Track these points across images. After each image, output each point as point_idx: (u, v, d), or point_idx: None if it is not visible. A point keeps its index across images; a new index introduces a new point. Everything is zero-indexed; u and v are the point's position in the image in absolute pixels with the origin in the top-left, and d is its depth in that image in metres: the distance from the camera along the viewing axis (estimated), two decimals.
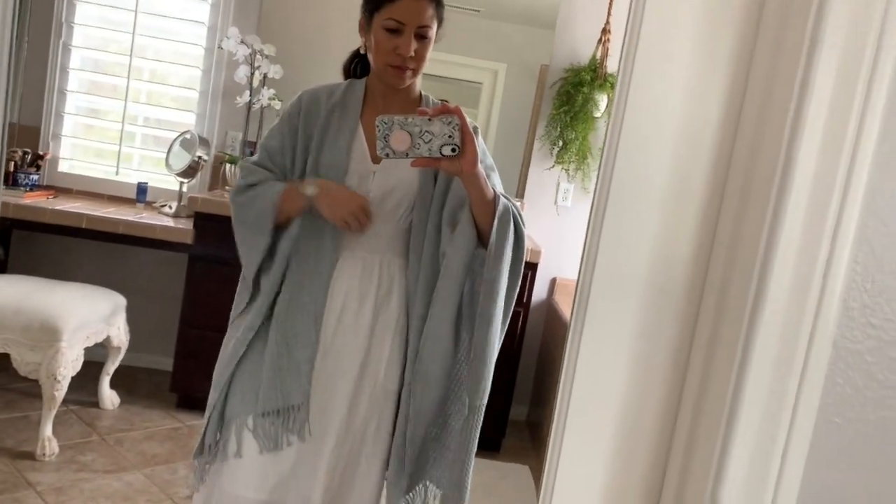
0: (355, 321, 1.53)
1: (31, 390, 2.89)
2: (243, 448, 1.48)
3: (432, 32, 1.49)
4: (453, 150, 1.27)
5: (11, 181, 3.22)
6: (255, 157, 1.60)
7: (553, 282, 3.51)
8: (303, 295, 1.51)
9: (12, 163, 3.24)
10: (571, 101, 3.28)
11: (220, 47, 3.25)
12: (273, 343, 1.50)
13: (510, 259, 1.43)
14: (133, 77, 3.39)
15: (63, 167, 3.42)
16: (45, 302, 2.56)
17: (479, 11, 3.41)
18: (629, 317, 0.77)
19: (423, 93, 1.61)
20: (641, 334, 0.78)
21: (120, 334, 2.94)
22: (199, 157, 3.18)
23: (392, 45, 1.46)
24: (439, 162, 1.29)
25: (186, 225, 3.00)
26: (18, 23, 3.25)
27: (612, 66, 3.26)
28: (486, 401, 1.46)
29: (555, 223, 3.49)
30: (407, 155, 1.26)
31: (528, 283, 3.01)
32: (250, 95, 3.26)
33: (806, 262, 0.69)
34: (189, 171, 3.18)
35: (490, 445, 3.10)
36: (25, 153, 3.27)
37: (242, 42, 3.20)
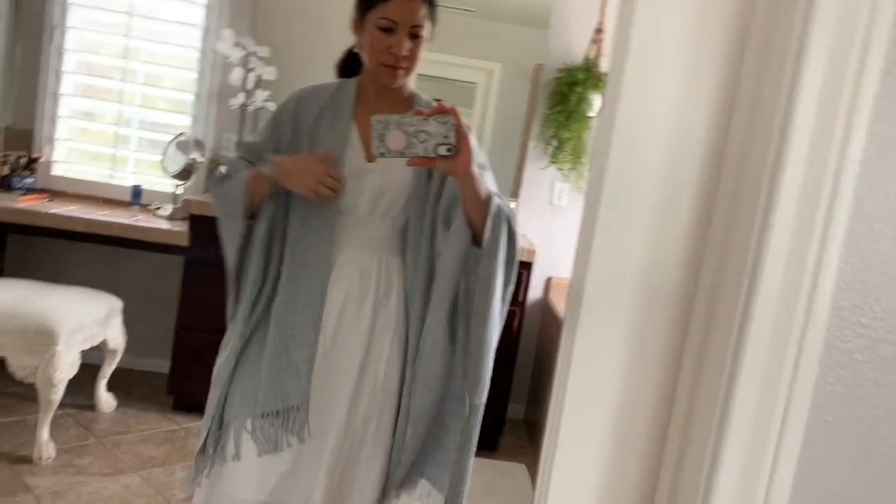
0: (355, 321, 1.53)
1: (27, 394, 2.88)
2: (242, 450, 1.48)
3: (425, 32, 1.49)
4: (449, 150, 1.28)
5: (6, 185, 3.22)
6: (238, 153, 1.60)
7: (548, 281, 3.52)
8: (300, 296, 1.51)
9: (7, 166, 3.24)
10: (566, 100, 3.29)
11: (214, 49, 3.25)
12: (271, 344, 1.50)
13: (505, 257, 1.44)
14: (127, 80, 3.38)
15: (58, 170, 3.41)
16: (40, 305, 2.55)
17: (472, 11, 3.41)
18: (621, 321, 0.78)
19: (414, 91, 1.61)
20: (634, 338, 0.79)
21: (116, 337, 2.94)
22: (195, 160, 3.18)
23: (385, 45, 1.47)
24: (435, 162, 1.30)
25: (182, 227, 2.99)
26: (13, 26, 3.24)
27: (605, 65, 3.27)
28: (484, 399, 1.47)
29: (550, 223, 3.50)
30: (402, 154, 1.26)
31: (523, 282, 3.01)
32: (245, 97, 3.26)
33: (796, 264, 0.70)
34: (184, 174, 3.18)
35: (487, 444, 3.10)
36: (20, 157, 3.26)
37: (236, 44, 3.20)
